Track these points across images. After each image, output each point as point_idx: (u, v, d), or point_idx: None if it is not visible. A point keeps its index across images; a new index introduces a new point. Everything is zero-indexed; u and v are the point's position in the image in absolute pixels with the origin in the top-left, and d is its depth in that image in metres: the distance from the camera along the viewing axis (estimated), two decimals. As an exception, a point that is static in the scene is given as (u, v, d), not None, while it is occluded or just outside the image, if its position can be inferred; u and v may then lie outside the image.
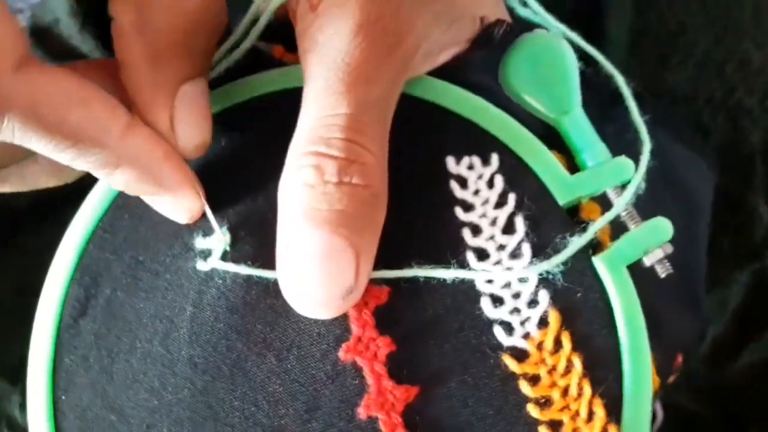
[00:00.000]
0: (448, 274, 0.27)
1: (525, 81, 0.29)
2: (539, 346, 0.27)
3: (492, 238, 0.28)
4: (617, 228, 0.28)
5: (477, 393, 0.26)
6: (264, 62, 0.31)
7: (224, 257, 0.28)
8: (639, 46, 0.32)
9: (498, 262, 0.27)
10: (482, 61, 0.30)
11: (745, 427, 0.38)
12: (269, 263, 0.27)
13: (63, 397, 0.28)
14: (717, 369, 0.40)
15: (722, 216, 0.38)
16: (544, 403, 0.26)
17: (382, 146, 0.26)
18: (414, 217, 0.28)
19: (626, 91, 0.30)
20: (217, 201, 0.28)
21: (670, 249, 0.27)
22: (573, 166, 0.29)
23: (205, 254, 0.28)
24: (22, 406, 0.37)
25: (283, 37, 0.31)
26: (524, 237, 0.27)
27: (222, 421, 0.27)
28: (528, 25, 0.31)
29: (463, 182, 0.28)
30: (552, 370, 0.27)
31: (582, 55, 0.30)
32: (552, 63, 0.29)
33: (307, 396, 0.27)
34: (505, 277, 0.27)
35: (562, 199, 0.28)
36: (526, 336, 0.27)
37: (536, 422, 0.26)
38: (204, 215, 0.28)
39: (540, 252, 0.27)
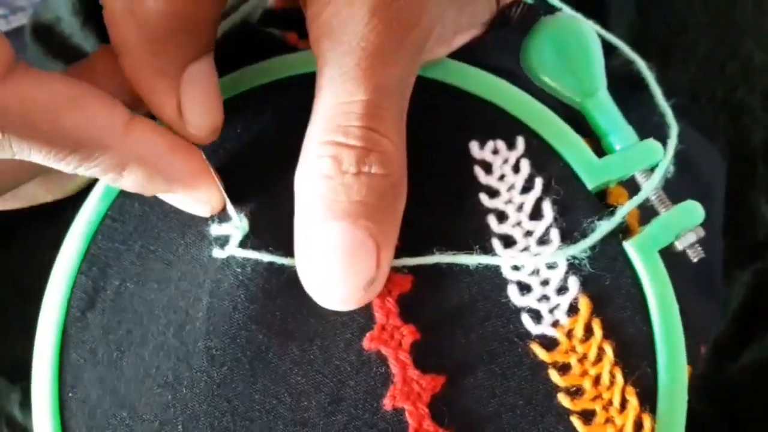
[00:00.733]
0: (471, 260, 0.26)
1: (547, 64, 0.28)
2: (569, 334, 0.26)
3: (519, 224, 0.27)
4: (646, 213, 0.27)
5: (505, 383, 0.25)
6: (278, 49, 0.30)
7: (242, 244, 0.27)
8: (640, 45, 0.31)
9: (525, 249, 0.27)
10: (502, 43, 0.29)
11: (745, 427, 0.37)
12: (289, 250, 0.26)
13: (70, 395, 0.27)
14: (717, 369, 0.40)
15: (723, 215, 0.38)
16: (575, 392, 0.26)
17: (400, 132, 0.26)
18: (437, 205, 0.27)
19: (649, 76, 0.30)
20: (233, 188, 0.27)
21: (702, 233, 0.26)
22: (599, 150, 0.28)
23: (222, 241, 0.27)
24: (22, 404, 0.35)
25: (296, 25, 0.30)
26: (552, 222, 0.27)
27: (241, 416, 0.26)
28: (547, 8, 0.30)
29: (487, 167, 0.27)
30: (583, 359, 0.26)
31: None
32: (575, 45, 0.29)
33: (330, 387, 0.26)
34: (532, 264, 0.26)
35: (591, 183, 0.27)
36: (556, 324, 0.26)
37: (568, 412, 0.25)
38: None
39: (569, 237, 0.26)
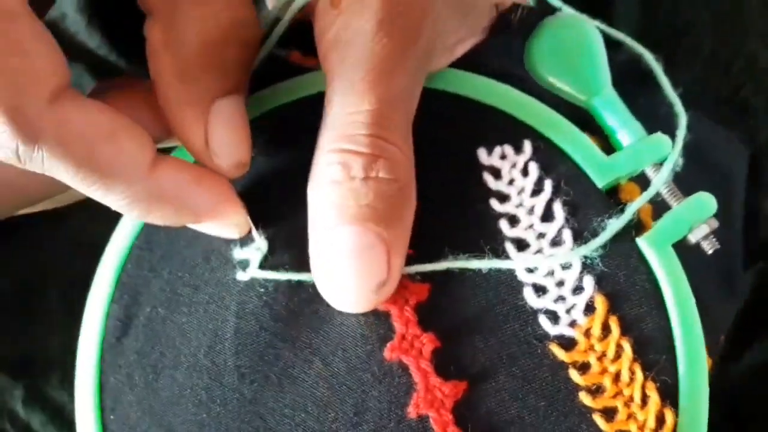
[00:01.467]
0: (485, 264, 0.27)
1: (551, 64, 0.29)
2: (587, 333, 0.26)
3: (531, 227, 0.27)
4: (659, 208, 0.27)
5: (527, 385, 0.26)
6: (281, 69, 0.31)
7: (263, 266, 0.28)
8: (645, 45, 0.31)
9: (539, 251, 0.27)
10: (504, 48, 0.30)
11: (747, 428, 0.37)
12: (307, 266, 0.27)
13: (111, 417, 0.28)
14: (720, 369, 0.39)
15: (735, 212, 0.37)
16: (596, 390, 0.26)
17: (407, 140, 0.26)
18: (448, 213, 0.28)
19: (656, 67, 0.29)
20: (251, 211, 0.28)
21: (715, 224, 0.26)
22: (608, 148, 0.28)
23: (244, 265, 0.28)
24: (25, 401, 0.37)
25: (297, 42, 0.31)
26: (564, 223, 0.27)
27: (273, 430, 0.27)
28: (548, 9, 0.30)
29: (496, 173, 0.28)
30: (602, 357, 0.26)
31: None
32: (578, 44, 0.29)
33: (355, 398, 0.26)
34: (546, 265, 0.27)
35: (601, 182, 0.27)
36: (573, 324, 0.26)
37: (590, 410, 0.26)
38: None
39: (581, 237, 0.27)
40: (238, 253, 0.28)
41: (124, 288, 0.29)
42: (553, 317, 0.26)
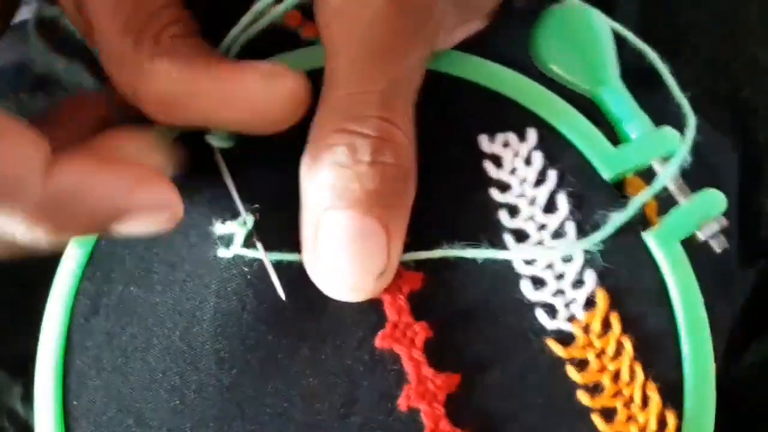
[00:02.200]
0: (479, 254, 0.25)
1: (556, 53, 0.28)
2: (586, 329, 0.25)
3: (531, 218, 0.26)
4: (665, 204, 0.26)
5: (522, 381, 0.25)
6: (277, 34, 0.29)
7: (247, 243, 0.26)
8: (645, 44, 0.31)
9: (539, 243, 0.26)
10: (509, 34, 0.29)
11: (749, 427, 0.37)
12: (296, 247, 0.25)
13: (75, 402, 0.26)
14: (720, 369, 0.39)
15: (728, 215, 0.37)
16: (595, 389, 0.25)
17: (410, 124, 0.25)
18: (446, 202, 0.26)
19: (662, 66, 0.29)
20: (236, 184, 0.27)
21: (725, 222, 0.25)
22: (614, 140, 0.27)
23: (226, 241, 0.26)
24: (24, 399, 0.35)
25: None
26: (568, 215, 0.26)
27: (251, 420, 0.25)
28: None
29: (497, 161, 0.27)
30: (601, 354, 0.25)
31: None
32: (583, 33, 0.28)
33: (344, 389, 0.25)
34: (545, 257, 0.25)
35: (607, 174, 0.26)
36: (572, 318, 0.25)
37: (588, 410, 0.24)
38: (223, 200, 0.27)
39: (585, 230, 0.26)
40: (220, 228, 0.26)
41: (96, 264, 0.27)
42: (551, 311, 0.25)
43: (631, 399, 0.24)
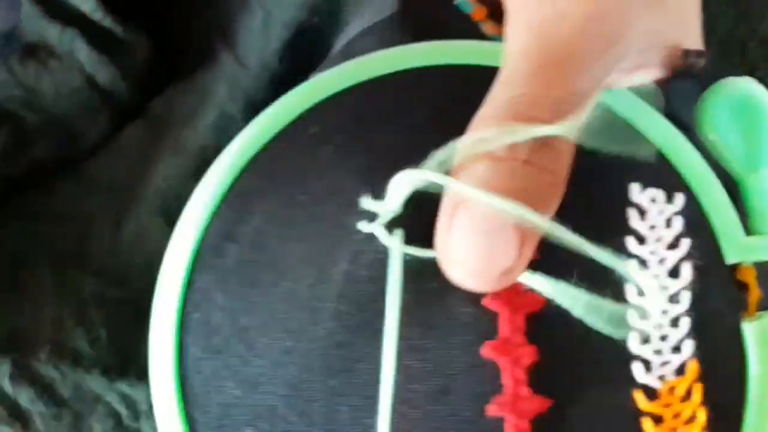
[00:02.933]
0: (599, 302, 0.27)
1: (720, 124, 0.29)
2: (671, 391, 0.27)
3: (656, 277, 0.28)
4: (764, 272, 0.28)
5: (604, 421, 0.27)
6: (459, 22, 0.30)
7: (389, 226, 0.27)
8: None
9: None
10: (682, 91, 0.29)
11: None
12: (427, 244, 0.26)
13: (195, 314, 0.28)
14: None
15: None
16: None
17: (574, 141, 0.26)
18: (581, 232, 0.28)
19: None
20: (389, 168, 0.27)
21: None
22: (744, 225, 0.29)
23: (370, 216, 0.27)
24: (13, 376, 0.35)
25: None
26: (687, 285, 0.28)
27: (351, 381, 0.27)
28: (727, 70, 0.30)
29: (642, 213, 0.28)
30: (677, 416, 0.27)
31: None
32: (752, 115, 0.29)
33: (441, 379, 0.27)
34: (658, 317, 0.27)
35: (731, 259, 0.28)
36: (662, 378, 0.27)
37: None
38: (377, 174, 0.27)
39: (698, 303, 0.28)
40: (367, 203, 0.27)
41: (240, 192, 0.28)
42: (647, 367, 0.27)
43: (691, 463, 0.27)
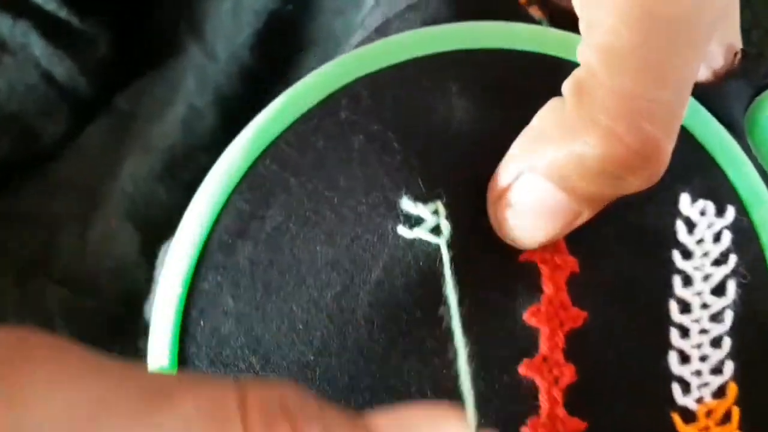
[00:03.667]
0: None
1: (770, 135, 0.27)
2: (708, 414, 0.26)
3: (699, 294, 0.26)
4: None
5: None
6: (506, 3, 0.27)
7: (434, 231, 0.25)
8: None
9: (696, 321, 0.26)
10: (735, 93, 0.28)
11: None
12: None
13: (202, 323, 0.25)
14: None
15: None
16: None
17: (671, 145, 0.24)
18: (628, 241, 0.26)
19: None
20: (429, 168, 0.25)
21: None
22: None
23: (411, 220, 0.25)
24: None
25: None
26: (731, 304, 0.26)
27: (381, 400, 0.25)
28: None
29: (690, 226, 0.26)
30: (712, 439, 0.26)
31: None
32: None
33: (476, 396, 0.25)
34: (698, 337, 0.26)
35: None
36: (700, 400, 0.26)
37: None
38: (419, 176, 0.25)
39: (742, 324, 0.26)
40: (407, 205, 0.25)
41: (255, 183, 0.25)
42: (686, 388, 0.26)
43: (723, 487, 0.26)
